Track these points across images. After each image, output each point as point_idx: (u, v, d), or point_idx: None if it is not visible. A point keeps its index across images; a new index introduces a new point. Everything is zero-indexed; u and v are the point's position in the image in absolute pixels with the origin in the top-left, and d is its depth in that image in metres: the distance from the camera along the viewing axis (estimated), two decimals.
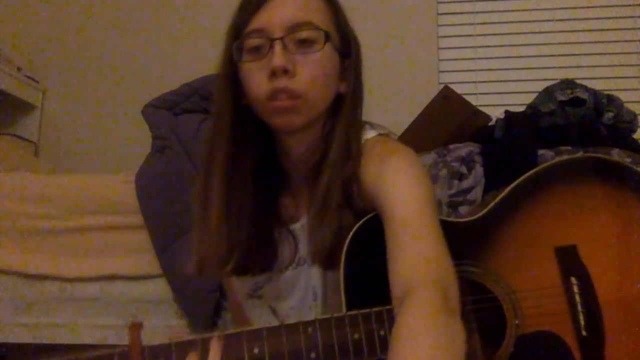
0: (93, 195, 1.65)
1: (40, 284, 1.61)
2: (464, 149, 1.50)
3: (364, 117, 0.95)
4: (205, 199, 0.89)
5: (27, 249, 1.62)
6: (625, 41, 2.31)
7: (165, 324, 1.57)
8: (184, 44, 2.45)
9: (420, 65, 2.37)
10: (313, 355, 0.70)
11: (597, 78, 2.22)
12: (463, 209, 1.43)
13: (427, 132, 1.62)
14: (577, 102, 1.58)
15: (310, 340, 0.70)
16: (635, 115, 1.60)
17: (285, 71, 0.82)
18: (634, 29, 2.32)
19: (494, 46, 2.38)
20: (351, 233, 0.79)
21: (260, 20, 0.84)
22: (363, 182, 0.85)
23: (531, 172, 0.94)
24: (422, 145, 1.53)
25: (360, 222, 0.80)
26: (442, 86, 1.75)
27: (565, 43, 2.34)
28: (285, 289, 0.94)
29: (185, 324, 1.57)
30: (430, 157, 1.50)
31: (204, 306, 1.53)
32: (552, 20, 2.36)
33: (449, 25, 2.41)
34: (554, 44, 2.34)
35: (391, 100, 2.24)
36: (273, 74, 0.82)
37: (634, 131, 1.60)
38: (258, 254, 0.91)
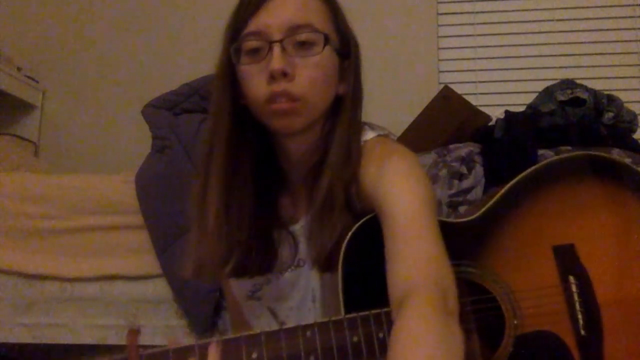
0: (93, 195, 1.64)
1: (40, 284, 1.61)
2: (464, 149, 1.50)
3: (364, 118, 0.94)
4: (204, 200, 0.88)
5: (27, 249, 1.62)
6: (625, 41, 2.31)
7: (165, 324, 1.57)
8: (184, 44, 2.45)
9: (420, 65, 2.37)
10: (312, 358, 0.69)
11: (597, 78, 2.23)
12: (463, 209, 1.43)
13: (427, 132, 1.62)
14: (577, 102, 1.58)
15: (309, 344, 0.70)
16: (635, 115, 1.59)
17: (285, 74, 0.81)
18: (634, 29, 2.32)
19: (494, 46, 2.38)
20: (349, 235, 0.78)
21: (259, 22, 0.83)
22: (362, 183, 0.84)
23: (529, 170, 0.93)
24: (422, 145, 1.53)
25: (358, 223, 0.79)
26: (442, 86, 1.75)
27: (565, 43, 2.34)
28: (284, 290, 0.94)
29: (185, 324, 1.56)
30: (430, 157, 1.50)
31: (204, 306, 1.53)
32: (552, 20, 2.36)
33: (449, 25, 2.41)
34: (554, 44, 2.34)
35: (391, 101, 2.24)
36: (272, 77, 0.81)
37: (634, 131, 1.60)
38: (258, 255, 0.91)
